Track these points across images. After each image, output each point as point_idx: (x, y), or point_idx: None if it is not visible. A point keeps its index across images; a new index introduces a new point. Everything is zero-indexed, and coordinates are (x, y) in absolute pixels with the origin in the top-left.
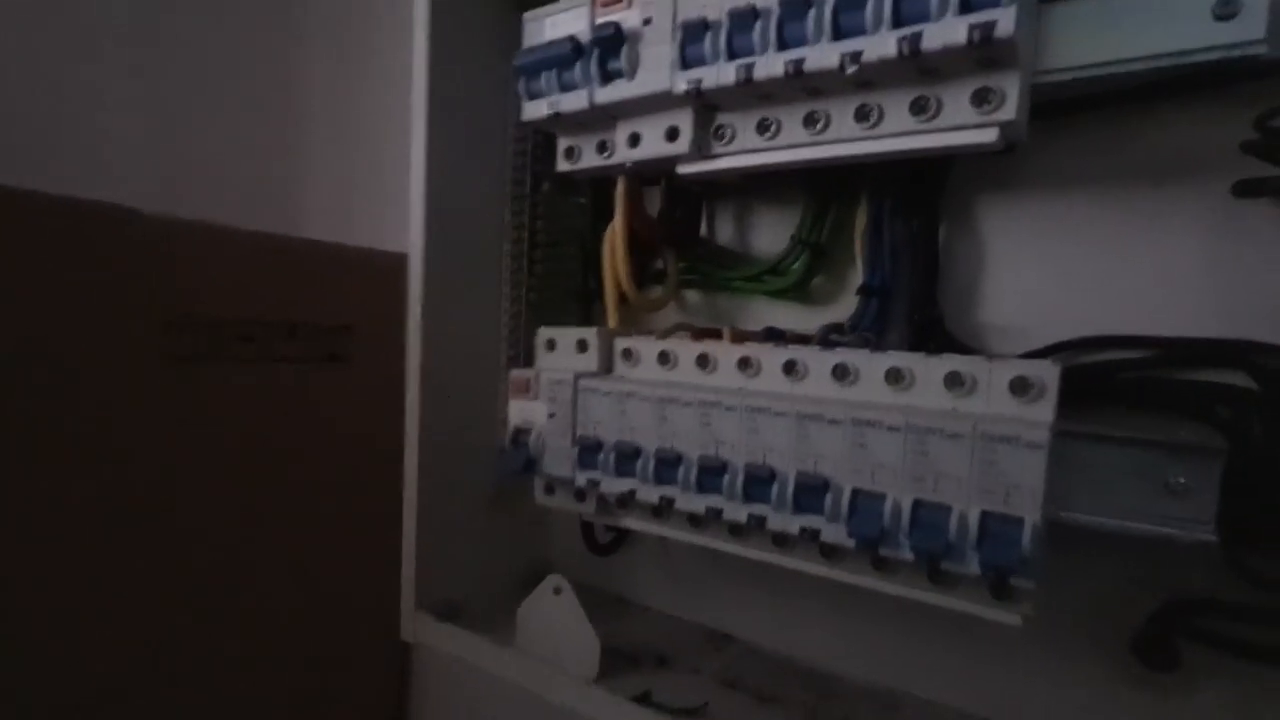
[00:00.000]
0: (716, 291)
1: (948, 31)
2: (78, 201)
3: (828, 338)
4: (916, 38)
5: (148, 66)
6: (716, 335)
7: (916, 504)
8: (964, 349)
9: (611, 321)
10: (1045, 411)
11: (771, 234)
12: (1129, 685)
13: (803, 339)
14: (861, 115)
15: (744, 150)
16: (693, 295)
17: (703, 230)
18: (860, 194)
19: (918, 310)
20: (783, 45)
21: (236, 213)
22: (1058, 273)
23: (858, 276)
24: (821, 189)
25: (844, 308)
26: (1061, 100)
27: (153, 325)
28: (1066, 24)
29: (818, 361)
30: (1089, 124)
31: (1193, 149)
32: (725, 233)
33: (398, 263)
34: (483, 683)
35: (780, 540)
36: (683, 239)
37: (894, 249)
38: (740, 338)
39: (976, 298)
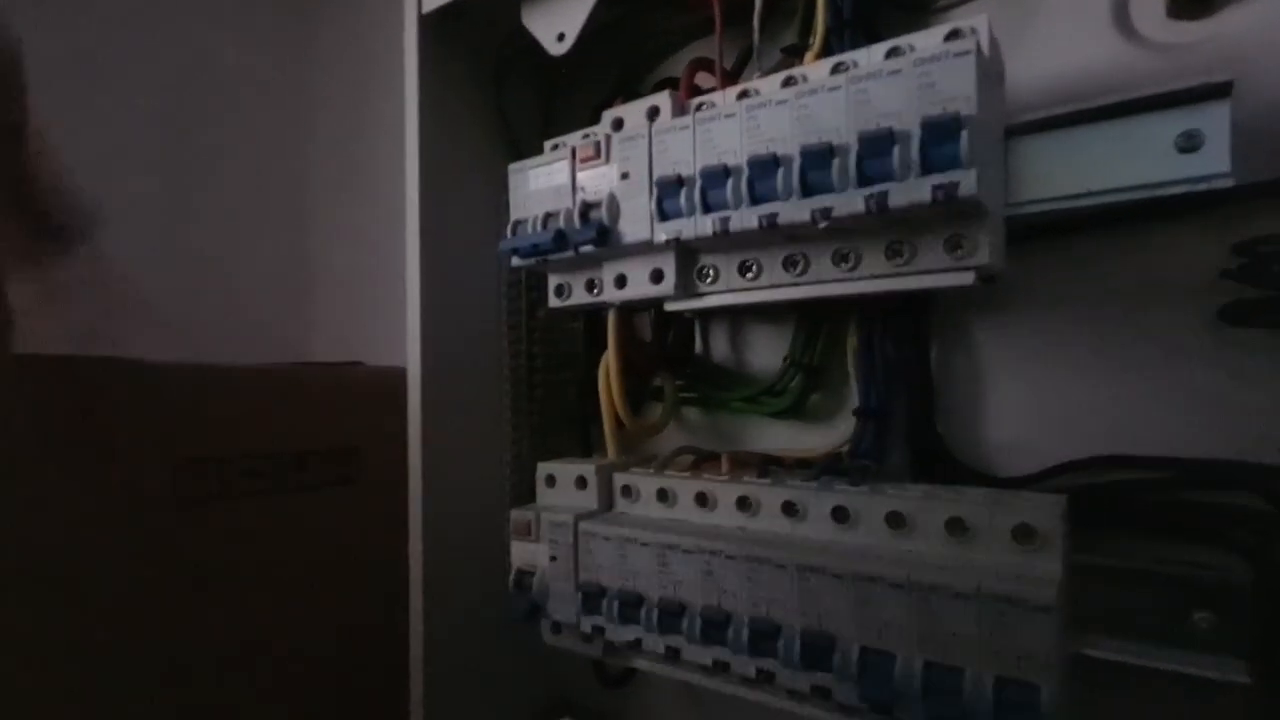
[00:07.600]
0: (716, 410)
1: (912, 191)
2: (76, 358)
3: (824, 475)
4: (883, 196)
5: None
6: (717, 459)
7: (927, 666)
8: (968, 471)
9: (611, 452)
10: (1052, 562)
11: (767, 351)
12: None
13: (804, 462)
14: (839, 258)
15: (728, 289)
16: (694, 413)
17: (698, 347)
18: (850, 315)
19: (916, 433)
20: (755, 200)
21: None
22: (1055, 391)
23: (854, 393)
24: (811, 312)
25: (843, 423)
26: (1040, 225)
27: (162, 471)
28: (1035, 157)
29: (817, 502)
30: (1071, 247)
31: (1178, 270)
32: (720, 350)
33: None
34: None
35: (794, 692)
36: (677, 361)
37: (887, 370)
38: (740, 463)
39: (978, 416)
